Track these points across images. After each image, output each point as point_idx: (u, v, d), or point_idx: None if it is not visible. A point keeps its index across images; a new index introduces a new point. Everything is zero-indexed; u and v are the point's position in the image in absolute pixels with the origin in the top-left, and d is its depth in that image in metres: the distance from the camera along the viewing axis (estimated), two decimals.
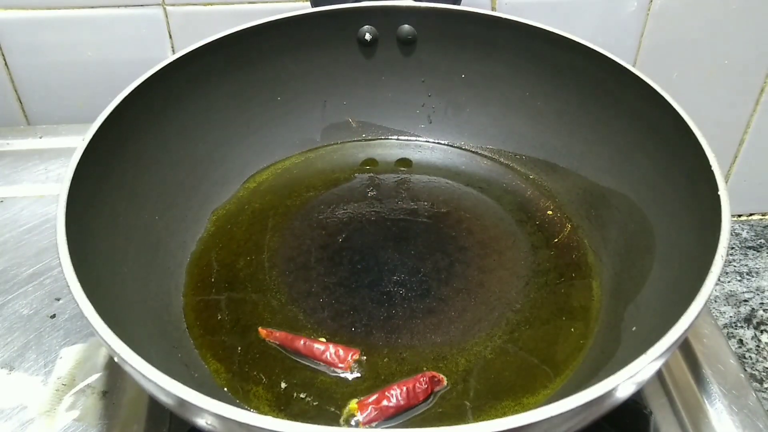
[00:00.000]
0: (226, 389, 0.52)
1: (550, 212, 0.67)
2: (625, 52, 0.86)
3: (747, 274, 0.93)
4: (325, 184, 0.70)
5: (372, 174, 0.72)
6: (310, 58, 0.70)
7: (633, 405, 0.52)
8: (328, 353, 0.53)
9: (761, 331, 0.85)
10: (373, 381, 0.52)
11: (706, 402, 0.56)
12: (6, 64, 0.83)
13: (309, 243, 0.64)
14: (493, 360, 0.54)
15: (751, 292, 0.90)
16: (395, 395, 0.50)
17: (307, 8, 0.68)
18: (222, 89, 0.67)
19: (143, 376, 0.38)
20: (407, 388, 0.50)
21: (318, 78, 0.72)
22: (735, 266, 0.94)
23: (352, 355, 0.53)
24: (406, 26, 0.70)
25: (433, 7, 0.68)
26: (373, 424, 0.49)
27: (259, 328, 0.55)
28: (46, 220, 0.70)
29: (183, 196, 0.64)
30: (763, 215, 1.04)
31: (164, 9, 0.80)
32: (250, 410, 0.48)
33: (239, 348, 0.55)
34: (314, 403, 0.51)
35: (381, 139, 0.76)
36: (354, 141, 0.76)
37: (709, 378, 0.57)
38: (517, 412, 0.46)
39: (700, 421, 0.54)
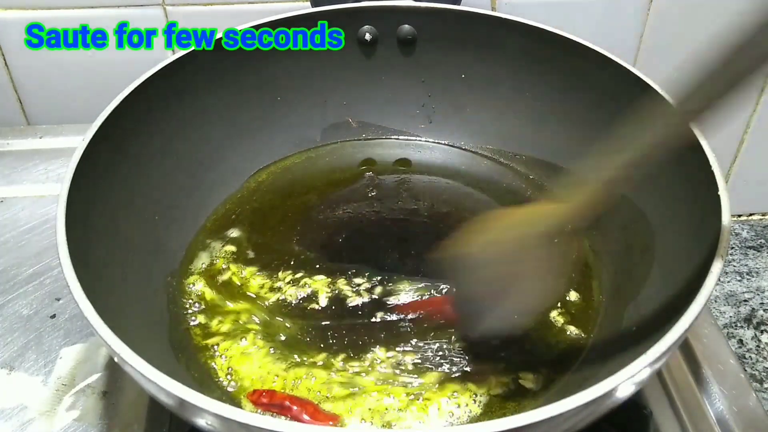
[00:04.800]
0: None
1: None
2: (625, 52, 0.86)
3: (747, 274, 0.93)
4: (325, 184, 0.70)
5: (372, 174, 0.72)
6: (310, 58, 0.70)
7: (633, 405, 0.52)
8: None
9: (761, 331, 0.85)
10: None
11: (706, 402, 0.56)
12: (6, 64, 0.83)
13: (309, 243, 0.64)
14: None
15: (751, 292, 0.90)
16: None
17: (307, 8, 0.68)
18: (222, 89, 0.67)
19: (143, 376, 0.38)
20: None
21: (318, 78, 0.72)
22: (735, 266, 0.94)
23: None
24: (406, 26, 0.70)
25: (433, 7, 0.68)
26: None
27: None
28: (46, 220, 0.70)
29: (183, 196, 0.64)
30: (763, 215, 1.04)
31: (164, 9, 0.80)
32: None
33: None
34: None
35: (381, 138, 0.76)
36: (354, 141, 0.76)
37: (709, 378, 0.57)
38: (517, 412, 0.46)
39: (700, 421, 0.54)
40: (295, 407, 0.50)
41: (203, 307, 0.58)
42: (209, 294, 0.59)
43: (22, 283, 0.64)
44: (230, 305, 0.58)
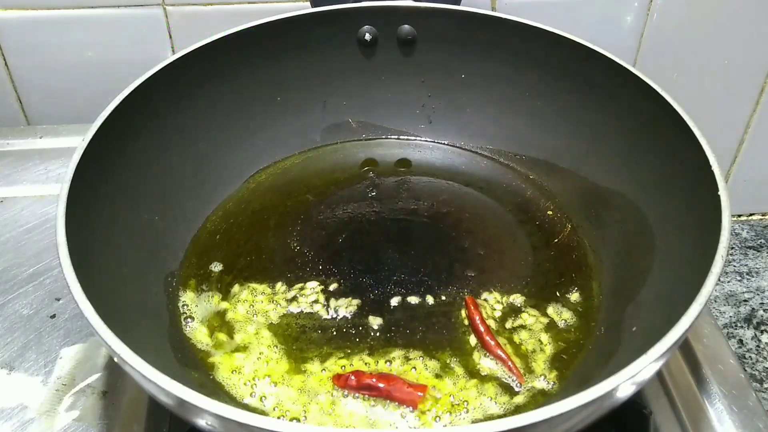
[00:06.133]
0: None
1: (550, 212, 0.67)
2: (625, 52, 0.86)
3: (747, 274, 0.93)
4: (325, 184, 0.70)
5: (372, 174, 0.72)
6: (310, 58, 0.70)
7: (633, 405, 0.52)
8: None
9: (761, 331, 0.85)
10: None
11: (706, 402, 0.56)
12: (6, 64, 0.83)
13: (309, 243, 0.64)
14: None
15: (751, 292, 0.90)
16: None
17: (307, 8, 0.68)
18: (222, 89, 0.67)
19: (143, 376, 0.38)
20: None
21: (318, 78, 0.72)
22: (735, 266, 0.94)
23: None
24: (406, 26, 0.70)
25: (433, 7, 0.68)
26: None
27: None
28: (46, 220, 0.70)
29: (183, 196, 0.64)
30: (763, 215, 1.04)
31: (164, 9, 0.80)
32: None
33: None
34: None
35: (381, 139, 0.76)
36: (354, 141, 0.76)
37: (709, 378, 0.57)
38: (517, 412, 0.46)
39: (700, 421, 0.54)
40: (381, 384, 0.50)
41: (203, 309, 0.58)
42: (208, 298, 0.59)
43: (22, 283, 0.64)
44: (229, 307, 0.58)
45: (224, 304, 0.58)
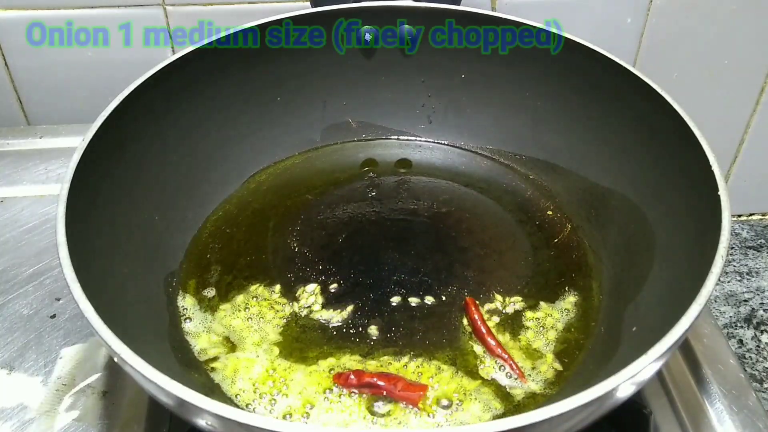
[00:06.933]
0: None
1: (550, 212, 0.67)
2: (625, 52, 0.86)
3: (747, 274, 0.93)
4: (325, 184, 0.70)
5: (372, 174, 0.72)
6: (310, 58, 0.70)
7: (633, 405, 0.52)
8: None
9: (761, 331, 0.85)
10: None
11: (706, 402, 0.56)
12: (6, 64, 0.83)
13: (309, 243, 0.64)
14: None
15: (751, 292, 0.90)
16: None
17: (308, 8, 0.68)
18: (222, 89, 0.67)
19: (143, 376, 0.38)
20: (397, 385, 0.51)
21: (318, 78, 0.72)
22: (735, 266, 0.94)
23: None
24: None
25: (433, 7, 0.68)
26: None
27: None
28: (46, 220, 0.70)
29: (183, 196, 0.64)
30: (763, 215, 1.04)
31: (164, 9, 0.80)
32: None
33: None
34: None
35: (381, 139, 0.76)
36: (354, 141, 0.76)
37: (709, 378, 0.57)
38: (517, 412, 0.46)
39: (700, 421, 0.54)
40: (382, 383, 0.50)
41: (203, 309, 0.58)
42: (207, 298, 0.59)
43: (22, 283, 0.64)
44: (229, 307, 0.58)
45: (224, 305, 0.58)
